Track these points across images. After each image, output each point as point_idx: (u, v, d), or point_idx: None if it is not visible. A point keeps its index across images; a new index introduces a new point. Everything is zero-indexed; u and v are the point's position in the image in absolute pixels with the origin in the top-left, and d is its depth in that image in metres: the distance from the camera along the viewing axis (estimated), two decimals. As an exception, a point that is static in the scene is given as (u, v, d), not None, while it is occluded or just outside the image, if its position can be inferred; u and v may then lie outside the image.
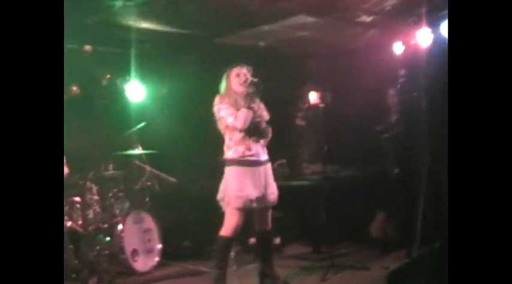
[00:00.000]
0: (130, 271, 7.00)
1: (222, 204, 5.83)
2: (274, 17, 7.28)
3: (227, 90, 5.86)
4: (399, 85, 7.95)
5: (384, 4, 6.93)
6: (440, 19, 6.69)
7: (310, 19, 7.38)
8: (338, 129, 8.36)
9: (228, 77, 5.89)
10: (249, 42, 8.43)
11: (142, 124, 7.56)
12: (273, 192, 5.97)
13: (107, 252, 6.87)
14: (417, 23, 7.03)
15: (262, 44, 8.58)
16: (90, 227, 6.88)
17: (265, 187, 5.85)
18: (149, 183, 7.67)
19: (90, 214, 6.99)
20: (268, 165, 5.99)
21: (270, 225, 6.12)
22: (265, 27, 7.71)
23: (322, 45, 8.76)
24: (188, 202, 8.22)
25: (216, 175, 6.02)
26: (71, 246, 6.58)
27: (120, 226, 7.07)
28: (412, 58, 7.54)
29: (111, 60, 8.09)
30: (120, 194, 7.40)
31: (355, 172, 8.14)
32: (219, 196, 5.86)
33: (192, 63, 8.65)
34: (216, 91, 5.94)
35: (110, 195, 7.28)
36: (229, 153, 5.84)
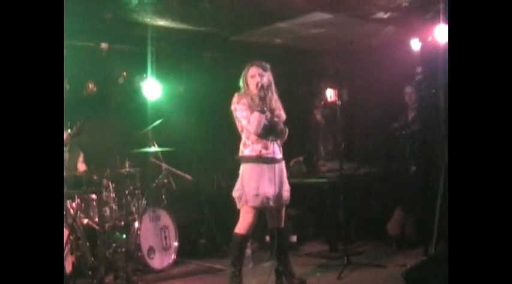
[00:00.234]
0: (147, 269, 7.01)
1: (238, 201, 5.82)
2: (289, 14, 7.27)
3: (245, 89, 5.85)
4: (416, 83, 7.91)
5: (401, 0, 6.89)
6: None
7: (325, 16, 7.36)
8: (355, 127, 8.35)
9: (245, 76, 5.86)
10: (265, 39, 8.42)
11: (158, 121, 7.55)
12: (287, 190, 5.96)
13: (123, 249, 6.86)
14: (434, 19, 6.97)
15: (278, 41, 8.56)
16: (107, 225, 6.88)
17: (280, 184, 5.84)
18: (166, 181, 7.67)
19: (107, 211, 7.00)
20: (283, 163, 5.98)
21: (283, 223, 6.11)
22: (281, 25, 7.69)
23: (338, 42, 8.73)
24: (205, 200, 8.21)
25: (232, 173, 6.01)
26: (87, 243, 6.60)
27: (136, 224, 7.08)
28: (429, 55, 7.49)
29: (127, 58, 8.12)
30: (137, 191, 7.38)
31: (372, 170, 8.09)
32: (235, 194, 5.84)
33: (208, 61, 8.66)
34: (232, 89, 5.92)
35: (127, 192, 7.27)
36: (246, 151, 5.82)
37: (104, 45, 7.73)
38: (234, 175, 5.94)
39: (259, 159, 5.75)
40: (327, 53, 9.26)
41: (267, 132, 5.77)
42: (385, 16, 7.41)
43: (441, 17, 6.45)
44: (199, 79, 8.57)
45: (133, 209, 7.26)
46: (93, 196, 7.01)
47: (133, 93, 8.32)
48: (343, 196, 7.14)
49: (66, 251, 6.24)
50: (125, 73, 8.22)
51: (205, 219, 8.19)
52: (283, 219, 6.09)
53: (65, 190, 6.74)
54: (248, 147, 5.81)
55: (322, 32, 8.10)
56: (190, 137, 8.44)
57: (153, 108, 8.27)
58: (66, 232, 6.37)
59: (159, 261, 7.19)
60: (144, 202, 7.38)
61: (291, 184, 6.13)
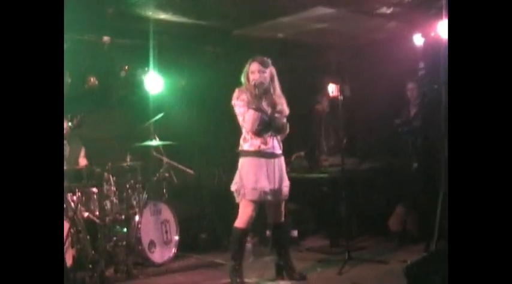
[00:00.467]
0: (147, 262, 7.00)
1: (236, 195, 5.83)
2: (292, 9, 7.25)
3: (246, 84, 5.84)
4: (419, 78, 7.89)
5: (404, -4, 6.89)
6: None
7: (328, 11, 7.33)
8: (357, 122, 8.33)
9: (246, 71, 5.85)
10: (268, 34, 8.40)
11: (160, 115, 7.54)
12: (286, 185, 5.97)
13: (123, 243, 6.87)
14: (437, 15, 6.94)
15: (280, 35, 8.53)
16: (107, 218, 6.89)
17: (279, 179, 5.85)
18: (167, 175, 7.66)
19: (108, 205, 7.00)
20: (282, 158, 5.98)
21: (283, 217, 6.11)
22: (284, 19, 7.67)
23: (340, 37, 8.70)
24: (206, 194, 8.21)
25: (233, 167, 6.00)
26: (88, 237, 6.60)
27: (137, 217, 7.07)
28: (432, 51, 7.47)
29: (129, 52, 8.11)
30: (138, 185, 7.38)
31: (374, 165, 8.07)
32: (234, 187, 5.86)
33: (210, 55, 8.64)
34: (233, 83, 5.92)
35: (128, 186, 7.27)
36: (245, 146, 5.84)
37: (106, 38, 7.73)
38: (235, 169, 5.95)
39: (258, 154, 5.76)
40: (330, 47, 9.23)
41: (266, 127, 5.78)
42: (388, 11, 7.39)
43: (443, 12, 6.43)
44: (201, 73, 8.56)
45: (134, 203, 7.26)
46: (94, 189, 7.01)
47: (135, 87, 8.32)
48: (344, 192, 7.13)
49: (66, 244, 6.24)
50: (126, 67, 8.22)
51: (206, 213, 8.20)
52: (283, 214, 6.10)
53: (66, 183, 6.73)
54: (247, 142, 5.81)
55: (325, 27, 8.07)
56: (191, 131, 8.44)
57: (154, 102, 8.26)
58: (66, 225, 6.37)
59: (159, 255, 7.18)
60: (145, 195, 7.38)
61: (292, 178, 6.14)
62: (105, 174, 7.03)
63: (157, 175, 7.61)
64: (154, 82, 8.26)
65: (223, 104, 5.94)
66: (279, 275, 6.17)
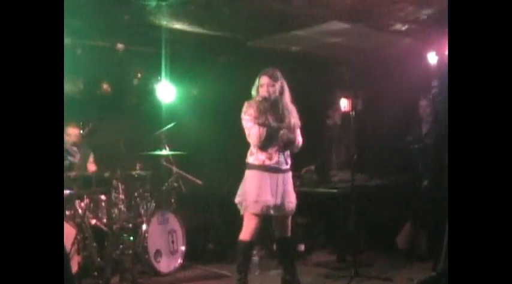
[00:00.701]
0: (153, 272, 6.97)
1: (240, 207, 5.82)
2: (307, 22, 7.25)
3: (255, 97, 5.81)
4: (432, 96, 7.86)
5: (420, 13, 6.85)
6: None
7: (343, 25, 7.33)
8: (368, 137, 8.30)
9: (256, 84, 5.82)
10: (282, 46, 8.41)
11: (171, 124, 7.52)
12: (291, 201, 5.90)
13: (130, 251, 6.85)
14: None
15: (295, 48, 8.53)
16: (115, 226, 6.87)
17: (283, 195, 5.81)
18: (176, 184, 7.64)
19: (115, 212, 6.99)
20: (289, 174, 5.93)
21: (289, 232, 6.07)
22: (299, 32, 7.67)
23: (354, 52, 8.70)
24: (214, 205, 8.19)
25: (242, 178, 5.98)
26: (95, 244, 6.59)
27: (144, 226, 7.06)
28: (445, 68, 7.43)
29: (143, 60, 8.12)
30: (146, 194, 7.37)
31: (384, 182, 8.04)
32: (237, 199, 5.85)
33: (223, 66, 8.65)
34: (245, 94, 5.89)
35: (136, 194, 7.26)
36: (250, 159, 5.82)
37: (120, 45, 7.74)
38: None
39: (262, 168, 5.73)
40: (343, 62, 9.24)
41: (272, 142, 5.75)
42: (403, 28, 7.38)
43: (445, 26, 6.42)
44: (213, 83, 8.56)
45: (142, 211, 7.25)
46: (103, 196, 7.01)
47: (147, 95, 8.34)
48: (353, 207, 7.10)
49: (73, 250, 6.24)
50: (139, 74, 8.24)
51: (214, 224, 8.17)
52: (289, 229, 6.05)
53: (74, 189, 6.74)
54: (253, 155, 5.80)
55: (339, 41, 8.07)
56: (202, 141, 8.43)
57: (166, 111, 8.26)
58: (73, 231, 6.37)
59: (165, 265, 7.15)
60: (153, 204, 7.37)
61: (301, 192, 6.12)
62: (114, 181, 7.02)
63: (166, 184, 7.59)
64: (166, 91, 8.26)
65: (234, 115, 5.91)
66: (285, 290, 6.15)
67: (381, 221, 8.01)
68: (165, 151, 7.49)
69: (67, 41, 7.21)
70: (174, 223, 7.40)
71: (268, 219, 5.94)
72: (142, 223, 7.10)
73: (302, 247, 7.97)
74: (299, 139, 5.94)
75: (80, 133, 6.55)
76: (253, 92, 5.82)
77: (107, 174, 6.97)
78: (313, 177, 8.10)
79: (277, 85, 5.76)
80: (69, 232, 6.32)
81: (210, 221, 8.23)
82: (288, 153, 5.89)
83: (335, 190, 7.74)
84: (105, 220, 6.90)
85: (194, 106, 8.66)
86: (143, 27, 7.28)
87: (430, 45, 7.82)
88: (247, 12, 6.85)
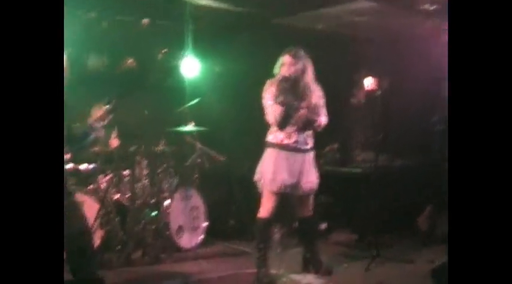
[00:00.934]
0: (175, 247, 7.02)
1: (258, 185, 5.83)
2: (333, 0, 7.18)
3: (276, 76, 5.78)
4: (458, 77, 7.77)
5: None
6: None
7: (370, 4, 7.26)
8: (393, 118, 8.23)
9: (279, 62, 5.79)
10: (307, 24, 8.35)
11: (195, 100, 7.51)
12: (310, 181, 5.88)
13: (152, 227, 6.90)
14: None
15: (320, 27, 8.47)
16: (138, 201, 6.91)
17: (301, 175, 5.79)
18: (199, 160, 7.66)
19: (139, 188, 7.02)
20: (309, 154, 5.91)
21: (311, 212, 6.08)
22: (324, 10, 7.62)
23: (380, 31, 8.62)
24: (236, 182, 8.20)
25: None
26: (117, 219, 6.64)
27: (167, 202, 7.10)
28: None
29: (167, 35, 8.09)
30: (170, 170, 7.40)
31: (407, 163, 8.00)
32: (256, 177, 5.89)
33: (248, 43, 8.60)
34: (269, 72, 5.87)
35: (159, 170, 7.28)
36: (270, 137, 5.83)
37: (145, 21, 7.71)
38: (264, 159, 5.92)
39: (280, 146, 5.74)
40: (369, 41, 9.15)
41: (291, 121, 5.74)
42: (432, 8, 7.29)
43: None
44: (238, 60, 8.52)
45: (165, 187, 7.28)
46: (126, 172, 7.04)
47: (172, 71, 8.32)
48: (376, 188, 7.07)
49: (95, 225, 6.29)
50: (164, 50, 8.22)
51: (235, 201, 8.18)
52: (310, 209, 6.06)
53: (98, 164, 6.79)
54: (272, 134, 5.81)
55: (365, 20, 8.00)
56: (225, 118, 8.41)
57: (190, 87, 8.23)
58: (96, 206, 6.42)
59: (187, 240, 7.20)
60: (176, 180, 7.40)
61: (324, 171, 6.08)
62: (138, 157, 7.04)
63: (190, 160, 7.62)
64: (190, 67, 8.23)
65: (257, 92, 5.90)
66: (306, 268, 6.17)
67: (403, 203, 7.97)
68: (189, 127, 7.49)
69: (92, 15, 7.23)
70: (196, 199, 7.43)
71: (288, 198, 5.95)
72: (165, 198, 7.15)
73: (324, 226, 7.97)
74: (322, 119, 5.90)
75: (104, 108, 6.54)
76: (276, 70, 5.80)
77: (131, 149, 6.98)
78: (336, 156, 8.08)
79: (299, 65, 5.72)
80: (92, 206, 6.39)
81: (231, 198, 8.24)
82: (309, 132, 5.87)
83: (358, 170, 7.72)
84: (128, 196, 6.95)
85: (218, 82, 8.63)
86: (169, 2, 7.26)
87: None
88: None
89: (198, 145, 7.71)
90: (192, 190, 7.43)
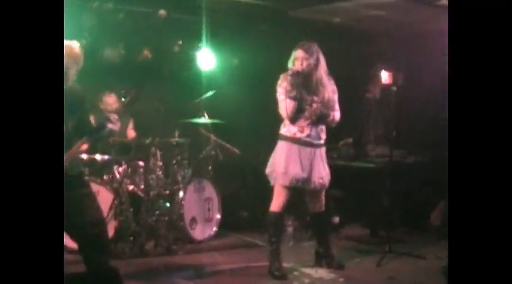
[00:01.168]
0: (188, 239, 7.06)
1: (269, 178, 5.85)
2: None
3: (290, 70, 5.77)
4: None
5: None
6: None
7: (388, -2, 7.25)
8: (407, 113, 8.21)
9: (292, 56, 5.79)
10: (324, 17, 8.32)
11: (211, 92, 7.52)
12: (321, 177, 5.88)
13: (166, 218, 6.93)
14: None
15: (337, 20, 8.45)
16: (152, 193, 6.93)
17: (314, 169, 5.80)
18: (213, 153, 7.66)
19: (153, 179, 7.04)
20: (321, 150, 5.92)
21: (323, 207, 6.08)
22: (341, 4, 7.60)
23: (397, 25, 8.59)
24: (249, 174, 8.22)
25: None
26: (131, 209, 6.68)
27: (181, 194, 7.12)
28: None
29: (184, 27, 8.09)
30: (184, 161, 7.41)
31: (421, 159, 7.97)
32: (268, 170, 5.91)
33: (264, 35, 8.59)
34: (285, 65, 5.86)
35: (174, 161, 7.31)
36: (283, 130, 5.86)
37: (161, 12, 7.71)
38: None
39: (293, 140, 5.77)
40: (386, 35, 9.11)
41: (304, 116, 5.75)
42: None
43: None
44: (254, 52, 8.52)
45: (179, 178, 7.30)
46: (140, 163, 7.08)
47: (188, 63, 8.32)
48: (389, 183, 7.07)
49: (109, 215, 6.33)
50: (180, 42, 8.22)
51: (249, 193, 8.20)
52: (321, 204, 6.06)
53: (113, 155, 6.82)
54: (285, 127, 5.84)
55: (382, 14, 7.97)
56: (240, 110, 8.41)
57: (206, 79, 8.24)
58: (110, 196, 6.46)
59: (200, 232, 7.24)
60: (190, 172, 7.41)
61: (337, 166, 6.09)
62: (153, 148, 7.05)
63: (204, 152, 7.63)
64: (206, 59, 8.24)
65: (273, 85, 5.90)
66: (318, 262, 6.18)
67: (416, 198, 7.96)
68: (204, 119, 7.51)
69: (109, 6, 7.25)
70: (210, 191, 7.46)
71: (299, 192, 5.96)
72: (179, 190, 7.17)
73: (337, 220, 7.98)
74: (335, 114, 5.91)
75: (121, 100, 6.57)
76: (289, 65, 5.80)
77: (146, 141, 7.01)
78: (350, 151, 8.06)
79: (312, 59, 5.72)
80: (107, 197, 6.43)
81: (245, 190, 8.27)
82: (322, 127, 5.88)
83: (371, 165, 7.71)
84: (142, 186, 6.98)
85: (234, 75, 8.63)
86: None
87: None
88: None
89: (213, 137, 7.71)
90: (205, 181, 7.45)
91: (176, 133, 7.36)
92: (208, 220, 7.37)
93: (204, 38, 8.01)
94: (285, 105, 5.68)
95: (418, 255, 6.62)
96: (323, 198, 6.04)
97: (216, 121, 7.60)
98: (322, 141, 5.89)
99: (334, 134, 6.21)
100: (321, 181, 5.87)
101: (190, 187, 7.24)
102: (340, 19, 8.42)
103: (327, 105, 5.81)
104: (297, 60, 5.71)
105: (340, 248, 6.85)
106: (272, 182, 5.85)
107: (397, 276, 5.92)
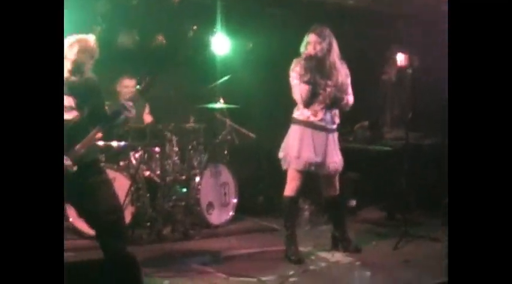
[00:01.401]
0: (204, 224, 7.09)
1: (282, 162, 5.86)
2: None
3: (302, 55, 5.76)
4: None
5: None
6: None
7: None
8: (424, 95, 8.16)
9: (305, 41, 5.77)
10: (338, 0, 8.28)
11: (226, 77, 7.52)
12: (334, 161, 5.87)
13: (182, 203, 6.97)
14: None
15: (351, 2, 8.40)
16: (168, 178, 6.95)
17: (327, 154, 5.79)
18: (229, 137, 7.67)
19: (169, 164, 7.07)
20: (334, 134, 5.91)
21: (337, 191, 6.07)
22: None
23: (413, 7, 8.51)
24: (264, 159, 8.22)
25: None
26: (148, 195, 6.71)
27: (197, 179, 7.14)
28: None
29: (198, 12, 8.08)
30: (200, 146, 7.43)
31: (437, 141, 7.94)
32: (281, 154, 5.90)
33: (278, 19, 8.56)
34: (299, 49, 5.84)
35: (190, 147, 7.32)
36: (296, 113, 5.85)
37: (176, -4, 7.70)
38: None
39: (306, 124, 5.76)
40: (401, 17, 9.04)
41: (318, 99, 5.73)
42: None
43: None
44: (268, 36, 8.48)
45: (195, 164, 7.32)
46: (157, 149, 7.09)
47: (202, 48, 8.31)
48: (406, 165, 7.05)
49: (126, 201, 6.36)
50: (194, 26, 8.21)
51: (265, 177, 8.21)
52: (336, 188, 6.06)
53: (129, 141, 6.84)
54: (298, 111, 5.83)
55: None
56: (256, 95, 8.40)
57: (220, 64, 8.23)
58: (127, 182, 6.49)
59: (217, 217, 7.27)
60: (206, 157, 7.43)
61: (353, 148, 6.06)
62: (168, 133, 7.07)
63: (220, 137, 7.64)
64: (221, 44, 8.24)
65: (287, 70, 5.89)
66: (335, 246, 6.19)
67: (432, 181, 7.93)
68: (219, 104, 7.51)
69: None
70: (226, 175, 7.47)
71: (313, 176, 5.96)
72: (195, 175, 7.19)
73: (353, 203, 7.98)
74: (349, 98, 5.89)
75: (136, 87, 6.57)
76: (302, 49, 5.78)
77: (160, 126, 7.02)
78: (366, 133, 8.05)
79: (325, 43, 5.70)
80: (123, 183, 6.45)
81: (261, 175, 8.27)
82: (335, 111, 5.87)
83: (388, 148, 7.69)
84: (158, 172, 6.99)
85: (249, 59, 8.60)
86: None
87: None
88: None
89: (228, 122, 7.72)
90: (221, 166, 7.46)
91: (191, 119, 7.37)
92: (224, 204, 7.38)
93: (218, 22, 8.00)
94: (298, 89, 5.67)
95: (435, 238, 6.60)
96: (337, 182, 6.04)
97: (231, 106, 7.60)
98: (335, 126, 5.89)
99: (349, 118, 6.18)
100: (334, 165, 5.87)
101: (207, 172, 7.25)
102: (354, 1, 8.37)
103: (340, 89, 5.79)
104: (310, 44, 5.68)
105: (356, 231, 6.86)
106: (285, 166, 5.84)
107: (413, 259, 5.91)
